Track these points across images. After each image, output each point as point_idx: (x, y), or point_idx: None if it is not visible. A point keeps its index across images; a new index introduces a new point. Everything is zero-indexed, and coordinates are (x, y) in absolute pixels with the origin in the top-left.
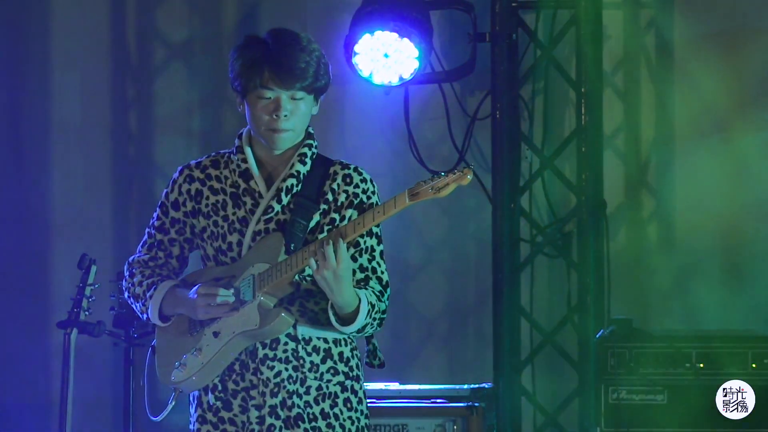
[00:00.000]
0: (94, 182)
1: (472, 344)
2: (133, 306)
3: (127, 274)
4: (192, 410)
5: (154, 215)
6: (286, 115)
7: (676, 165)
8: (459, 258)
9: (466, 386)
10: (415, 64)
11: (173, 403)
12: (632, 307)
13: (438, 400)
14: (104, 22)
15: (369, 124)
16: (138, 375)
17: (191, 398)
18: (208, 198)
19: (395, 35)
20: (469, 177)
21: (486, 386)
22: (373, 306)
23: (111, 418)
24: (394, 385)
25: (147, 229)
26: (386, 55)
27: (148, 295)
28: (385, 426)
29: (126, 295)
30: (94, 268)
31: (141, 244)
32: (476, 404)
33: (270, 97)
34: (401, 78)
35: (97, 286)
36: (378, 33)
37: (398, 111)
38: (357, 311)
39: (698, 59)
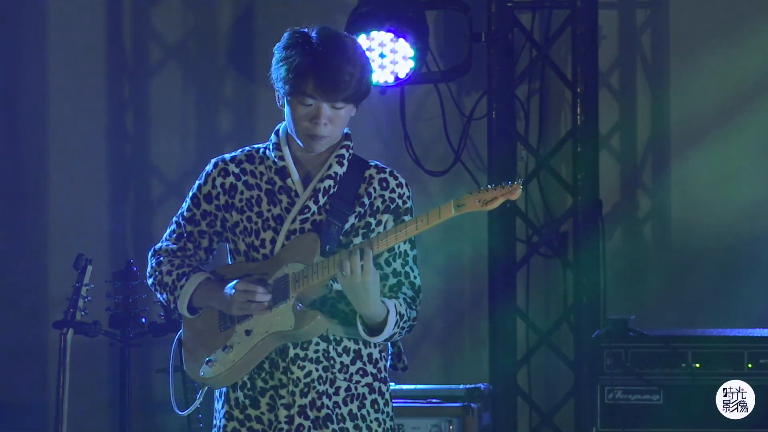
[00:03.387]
0: (90, 182)
1: (467, 344)
2: (158, 295)
3: (153, 262)
4: (219, 406)
5: (184, 206)
6: (325, 123)
7: (672, 165)
8: (454, 258)
9: (461, 386)
10: (411, 64)
11: (201, 399)
12: (628, 307)
13: (434, 401)
14: (100, 23)
15: (365, 124)
16: (134, 375)
17: (218, 394)
18: (242, 193)
19: (391, 35)
20: (519, 192)
21: (482, 386)
22: (401, 316)
23: (107, 419)
24: (390, 385)
25: (175, 219)
26: (382, 55)
27: (178, 285)
28: None
29: (150, 282)
30: (89, 269)
31: (168, 233)
32: (472, 404)
33: (311, 104)
34: (397, 78)
35: (93, 286)
36: (374, 33)
37: (394, 111)
38: (385, 322)
39: (694, 59)
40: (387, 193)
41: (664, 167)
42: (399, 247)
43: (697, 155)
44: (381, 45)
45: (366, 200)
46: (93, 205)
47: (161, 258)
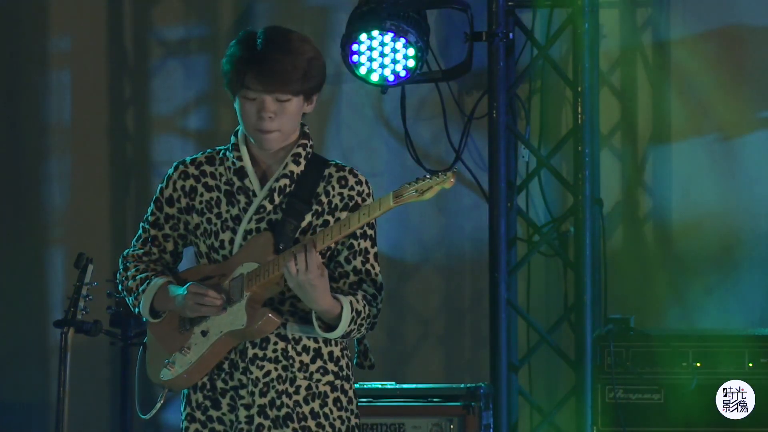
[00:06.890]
0: (91, 181)
1: (468, 343)
2: (127, 299)
3: (121, 267)
4: (182, 408)
5: (149, 210)
6: (270, 117)
7: (673, 164)
8: (455, 257)
9: (462, 385)
10: (412, 64)
11: (161, 402)
12: (629, 306)
13: (434, 400)
14: (101, 21)
15: (365, 124)
16: (133, 374)
17: (182, 396)
18: (202, 195)
19: (392, 34)
20: (452, 181)
21: (482, 385)
22: (358, 313)
23: (108, 418)
24: (391, 385)
25: (141, 224)
26: (383, 55)
27: (140, 289)
28: (381, 425)
29: (120, 287)
30: (90, 268)
31: (135, 238)
32: (473, 403)
33: (254, 98)
34: (398, 77)
35: (94, 285)
36: (374, 32)
37: (395, 110)
38: (339, 318)
39: (695, 58)
40: (346, 191)
41: (665, 166)
42: (359, 244)
43: (697, 154)
44: (381, 44)
45: (324, 198)
46: (94, 205)
47: (128, 263)
